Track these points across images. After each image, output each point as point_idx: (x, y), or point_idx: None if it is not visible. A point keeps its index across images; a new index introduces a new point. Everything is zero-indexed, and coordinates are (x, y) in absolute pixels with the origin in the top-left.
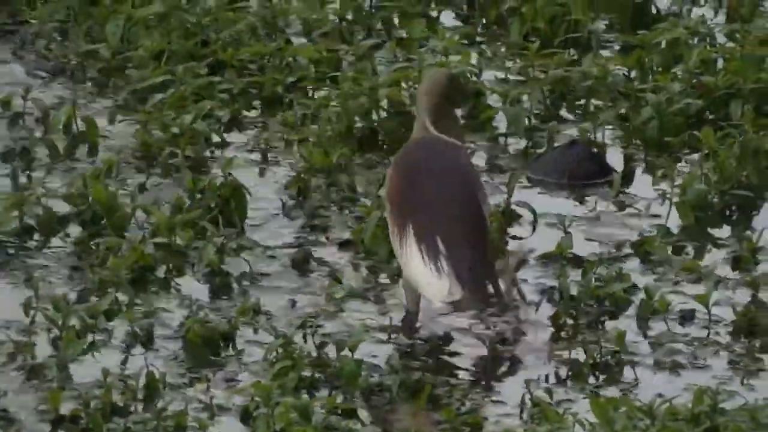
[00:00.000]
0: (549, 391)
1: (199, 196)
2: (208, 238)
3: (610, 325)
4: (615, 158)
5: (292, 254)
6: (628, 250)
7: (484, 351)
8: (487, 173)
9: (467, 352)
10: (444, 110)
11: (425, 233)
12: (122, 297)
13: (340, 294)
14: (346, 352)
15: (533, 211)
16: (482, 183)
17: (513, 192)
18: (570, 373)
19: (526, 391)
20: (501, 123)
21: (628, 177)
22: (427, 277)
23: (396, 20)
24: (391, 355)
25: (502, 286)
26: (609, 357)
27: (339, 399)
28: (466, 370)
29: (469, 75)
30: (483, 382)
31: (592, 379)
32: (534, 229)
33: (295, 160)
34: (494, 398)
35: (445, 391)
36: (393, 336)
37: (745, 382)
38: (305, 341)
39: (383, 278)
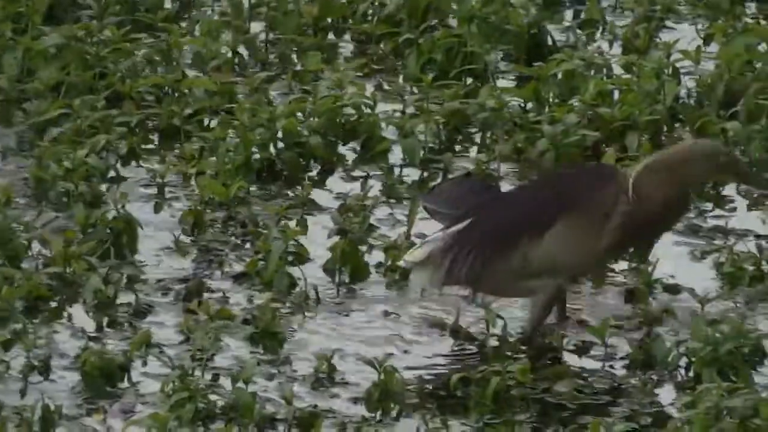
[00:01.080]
0: (446, 424)
1: (90, 229)
2: (94, 270)
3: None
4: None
5: (186, 286)
6: None
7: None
8: (387, 204)
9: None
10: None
11: (471, 214)
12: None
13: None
14: (240, 384)
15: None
16: (584, 227)
17: (413, 223)
18: (470, 405)
19: (421, 423)
20: (397, 154)
21: None
22: (428, 238)
23: (292, 53)
24: (284, 387)
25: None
26: (511, 389)
27: (234, 430)
28: (360, 400)
29: (364, 107)
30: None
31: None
32: None
33: (193, 194)
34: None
35: (337, 423)
36: (281, 369)
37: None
38: (194, 373)
39: (285, 310)
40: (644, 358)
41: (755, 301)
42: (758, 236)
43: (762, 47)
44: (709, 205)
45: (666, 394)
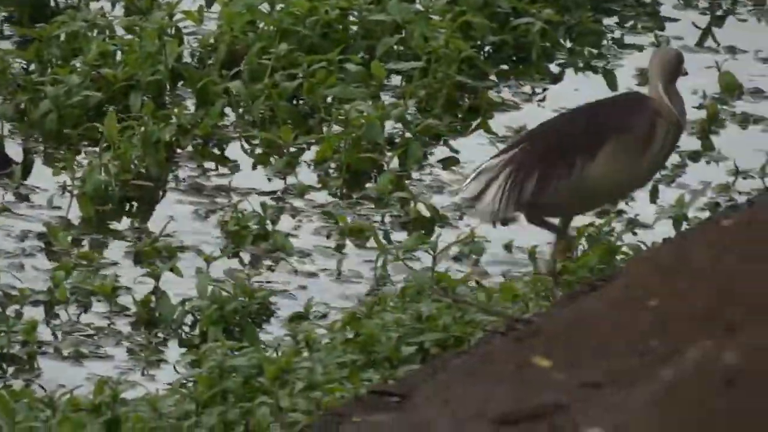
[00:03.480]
0: None
1: None
2: None
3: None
4: (14, 150)
5: None
6: (34, 242)
7: None
8: None
9: None
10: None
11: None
12: None
13: None
14: None
15: None
16: (631, 138)
17: None
18: None
19: None
20: None
21: (27, 169)
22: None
23: None
24: None
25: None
26: (18, 347)
27: None
28: None
29: None
30: None
31: None
32: None
33: None
34: None
35: None
36: None
37: (145, 372)
38: None
39: None
40: (150, 315)
41: (260, 260)
42: (262, 194)
43: (263, 7)
44: (212, 164)
45: (172, 352)
